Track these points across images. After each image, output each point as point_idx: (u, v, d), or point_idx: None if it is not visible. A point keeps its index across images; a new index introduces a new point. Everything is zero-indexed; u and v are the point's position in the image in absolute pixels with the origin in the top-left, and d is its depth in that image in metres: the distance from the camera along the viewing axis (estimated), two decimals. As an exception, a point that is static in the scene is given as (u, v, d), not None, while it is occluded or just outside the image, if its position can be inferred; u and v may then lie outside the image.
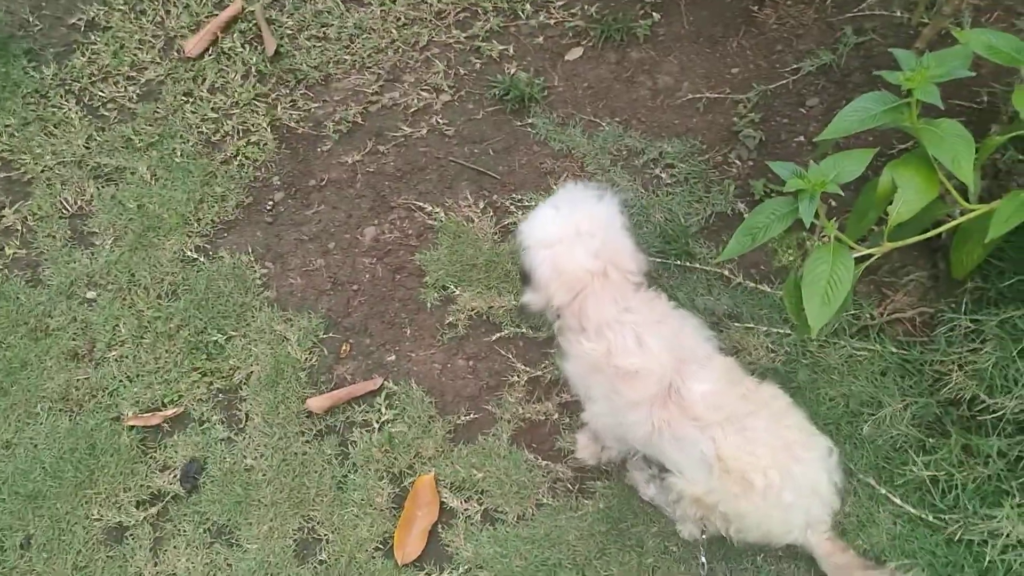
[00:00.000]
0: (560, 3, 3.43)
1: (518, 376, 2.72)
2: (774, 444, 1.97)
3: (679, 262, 2.77)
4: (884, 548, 2.27)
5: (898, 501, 2.31)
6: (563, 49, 3.36)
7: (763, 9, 3.19)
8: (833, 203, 2.73)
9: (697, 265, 2.77)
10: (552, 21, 3.40)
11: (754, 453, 1.95)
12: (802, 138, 2.91)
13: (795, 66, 3.02)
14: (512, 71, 3.32)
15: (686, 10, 3.30)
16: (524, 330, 2.79)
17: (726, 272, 2.74)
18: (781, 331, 2.61)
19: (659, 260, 2.79)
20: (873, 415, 2.40)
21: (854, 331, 2.53)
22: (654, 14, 3.31)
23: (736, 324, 2.65)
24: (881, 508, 2.33)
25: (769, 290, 2.67)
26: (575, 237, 2.05)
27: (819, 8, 3.09)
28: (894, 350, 2.46)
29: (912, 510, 2.30)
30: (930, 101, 1.84)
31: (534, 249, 2.11)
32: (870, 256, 1.96)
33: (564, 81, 3.29)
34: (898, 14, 2.95)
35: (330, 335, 2.87)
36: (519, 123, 3.22)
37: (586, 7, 3.39)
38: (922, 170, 1.91)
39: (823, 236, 1.88)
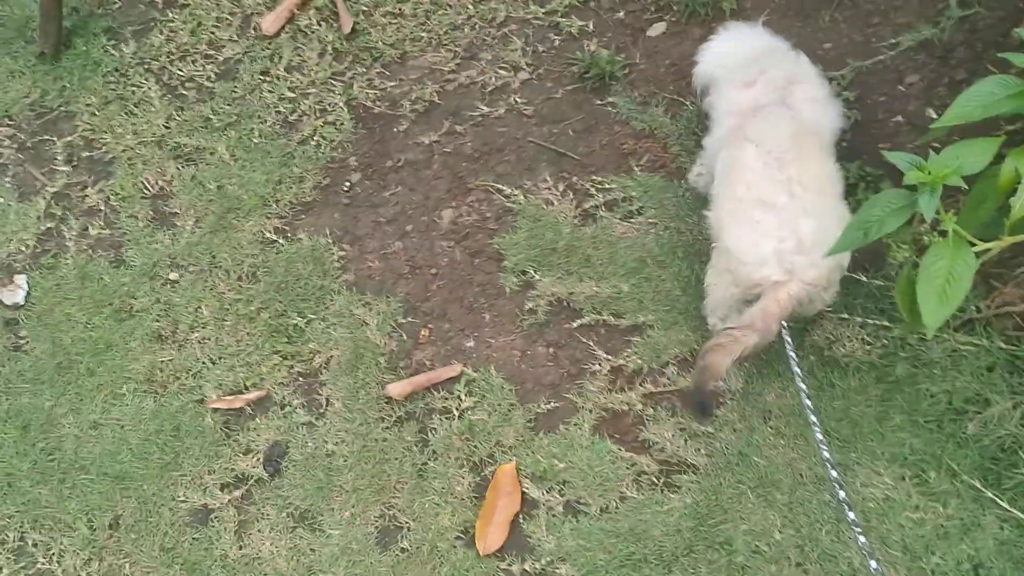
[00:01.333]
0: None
1: (600, 365, 2.69)
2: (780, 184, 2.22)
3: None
4: (990, 553, 2.18)
5: (1005, 505, 2.23)
6: (645, 24, 3.28)
7: (865, -29, 3.04)
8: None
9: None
10: (634, -6, 3.31)
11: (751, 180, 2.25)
12: (900, 118, 2.79)
13: (893, 40, 2.90)
14: (592, 48, 3.26)
15: (781, -15, 3.16)
16: (606, 317, 2.76)
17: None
18: (878, 322, 2.52)
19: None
20: (979, 413, 2.32)
21: (958, 324, 2.43)
22: (749, -5, 3.19)
23: (830, 313, 2.55)
24: (987, 512, 2.25)
25: (864, 279, 2.57)
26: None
27: (932, -28, 2.93)
28: (1003, 345, 2.35)
29: (1020, 515, 2.20)
30: None
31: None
32: (988, 251, 1.84)
33: (646, 58, 3.22)
34: (1014, -19, 2.78)
35: (409, 319, 2.87)
36: (600, 102, 3.15)
37: (672, -19, 3.29)
38: None
39: (941, 230, 1.78)
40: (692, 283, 2.73)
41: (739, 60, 2.57)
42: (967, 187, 1.82)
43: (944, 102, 2.75)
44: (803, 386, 2.15)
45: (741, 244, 2.23)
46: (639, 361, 2.67)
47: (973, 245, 1.83)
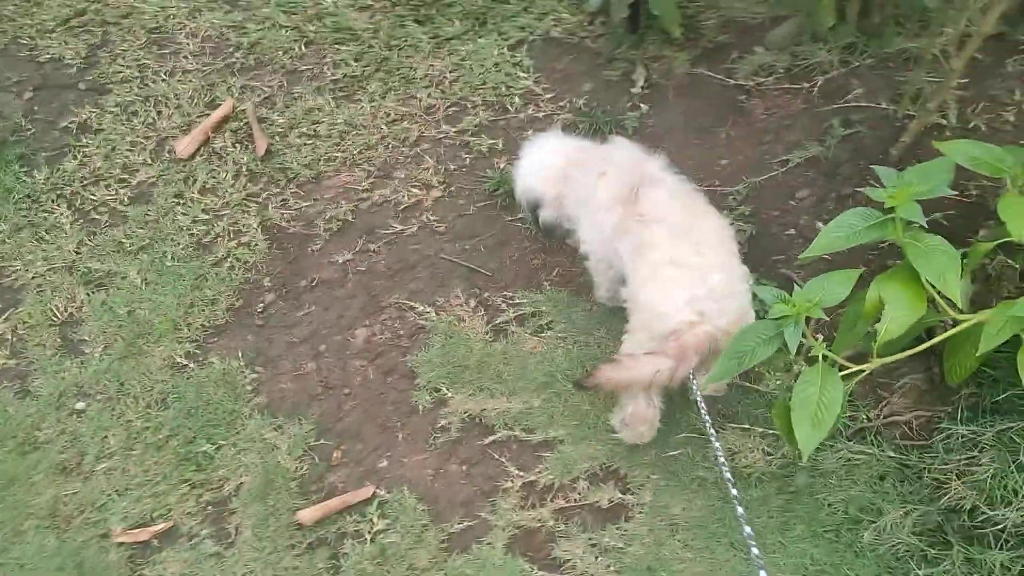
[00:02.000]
0: (548, 96, 3.64)
1: (512, 481, 2.83)
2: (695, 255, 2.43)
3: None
4: (888, 659, 2.33)
5: (904, 612, 2.37)
6: (553, 142, 3.54)
7: (751, 99, 3.38)
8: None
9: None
10: (541, 114, 3.61)
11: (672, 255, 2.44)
12: (793, 231, 3.07)
13: (784, 157, 3.20)
14: (502, 165, 3.51)
15: (674, 101, 3.50)
16: (517, 432, 2.91)
17: (721, 369, 2.85)
18: (777, 432, 2.70)
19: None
20: (873, 522, 2.49)
21: (851, 433, 2.64)
22: (642, 105, 3.52)
23: (731, 425, 2.75)
24: (884, 618, 2.39)
25: (765, 390, 2.78)
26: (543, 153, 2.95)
27: (806, 99, 3.28)
28: (892, 454, 2.56)
29: (918, 622, 2.36)
30: (912, 219, 1.98)
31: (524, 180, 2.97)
32: (861, 372, 2.06)
33: (555, 174, 3.46)
34: (884, 106, 3.13)
35: (321, 442, 2.99)
36: (510, 218, 3.39)
37: (574, 100, 3.61)
38: (909, 285, 2.04)
39: (811, 356, 1.99)
40: (600, 397, 2.91)
41: (568, 161, 2.86)
42: (827, 319, 2.04)
43: (832, 215, 3.03)
44: (715, 439, 2.30)
45: (657, 297, 2.44)
46: (550, 476, 2.82)
47: (844, 369, 2.05)
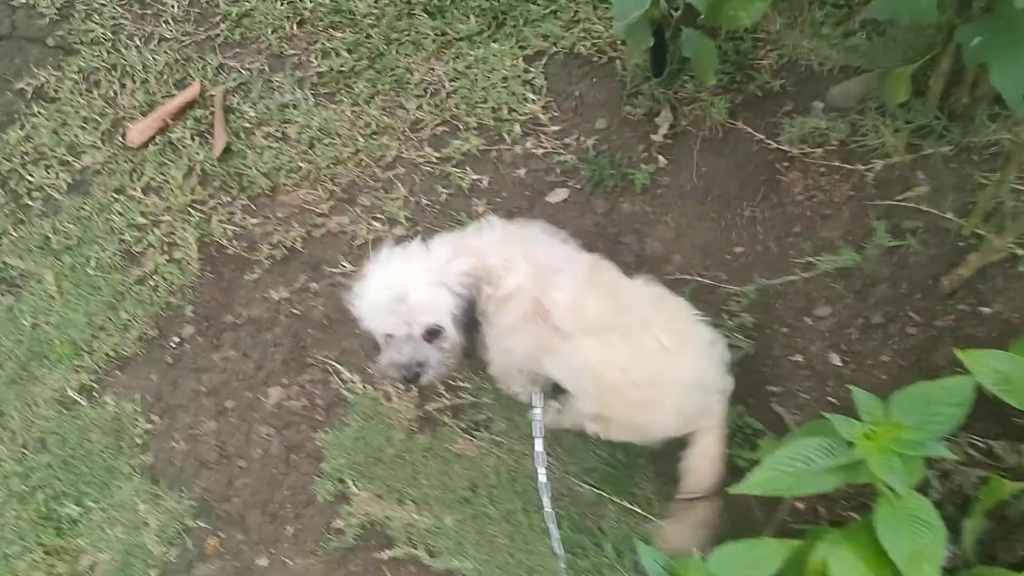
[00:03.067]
0: (554, 129, 3.25)
1: (400, 615, 2.55)
2: (644, 350, 2.19)
3: (618, 499, 2.54)
4: None
5: None
6: (546, 188, 3.19)
7: (791, 171, 2.92)
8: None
9: (637, 509, 2.53)
10: (540, 151, 3.24)
11: (622, 366, 2.19)
12: (800, 358, 2.64)
13: (810, 259, 2.74)
14: (480, 209, 3.17)
15: (699, 158, 3.06)
16: (419, 553, 2.64)
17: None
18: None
19: (597, 490, 2.57)
20: None
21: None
22: (660, 158, 3.10)
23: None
24: None
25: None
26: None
27: (856, 185, 2.80)
28: None
29: None
30: (886, 482, 1.56)
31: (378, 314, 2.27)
32: None
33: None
34: (949, 216, 2.62)
35: (199, 523, 2.80)
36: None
37: (582, 138, 3.21)
38: (869, 558, 1.62)
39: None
40: (521, 530, 2.59)
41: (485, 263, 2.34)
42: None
43: (853, 349, 2.60)
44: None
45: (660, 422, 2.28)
46: (445, 615, 2.54)
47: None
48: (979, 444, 2.24)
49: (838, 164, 2.86)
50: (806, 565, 1.67)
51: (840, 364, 2.59)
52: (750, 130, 3.03)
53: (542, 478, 2.36)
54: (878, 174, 2.79)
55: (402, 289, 2.20)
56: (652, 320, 2.25)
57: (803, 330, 2.67)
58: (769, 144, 2.99)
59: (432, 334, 2.22)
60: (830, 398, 2.55)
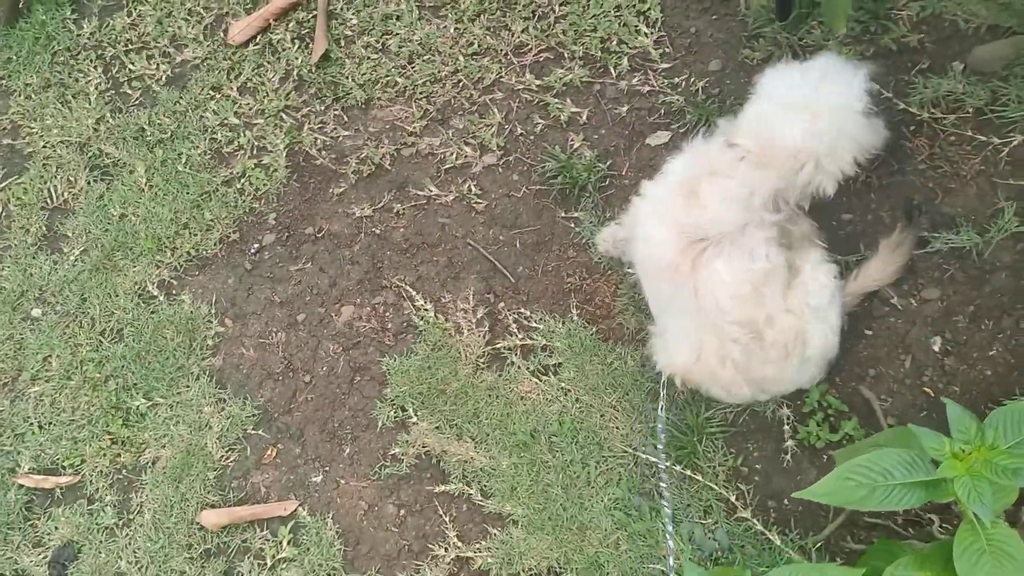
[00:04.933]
0: (664, 67, 3.08)
1: (446, 549, 2.56)
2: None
3: (679, 467, 2.45)
4: None
5: None
6: (647, 129, 3.03)
7: (917, 136, 2.70)
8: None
9: (700, 478, 2.43)
10: (646, 88, 3.07)
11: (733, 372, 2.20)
12: (899, 341, 2.46)
13: (924, 234, 2.54)
14: (576, 145, 3.05)
15: (817, 112, 2.84)
16: (472, 492, 2.61)
17: (733, 497, 2.40)
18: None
19: (655, 460, 2.48)
20: None
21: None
22: (774, 107, 2.89)
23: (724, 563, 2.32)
24: None
25: (778, 542, 2.30)
26: (802, 108, 2.14)
27: (988, 159, 2.57)
28: None
29: None
30: (975, 510, 1.42)
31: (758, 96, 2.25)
32: None
33: (635, 171, 2.98)
34: (1087, 204, 2.39)
35: (259, 432, 2.82)
36: (563, 214, 2.96)
37: (694, 80, 3.03)
38: None
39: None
40: (577, 483, 2.53)
41: None
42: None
43: (958, 339, 2.41)
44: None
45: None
46: (489, 560, 2.51)
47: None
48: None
49: (971, 134, 2.63)
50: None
51: (942, 353, 2.41)
52: (878, 87, 2.79)
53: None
54: (1014, 150, 2.55)
55: None
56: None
57: (907, 311, 2.49)
58: (897, 104, 2.76)
59: None
60: (926, 388, 2.39)
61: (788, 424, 2.44)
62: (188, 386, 2.90)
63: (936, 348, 2.42)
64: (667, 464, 2.40)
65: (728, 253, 2.16)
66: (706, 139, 2.33)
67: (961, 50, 2.77)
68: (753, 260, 2.15)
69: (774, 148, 2.12)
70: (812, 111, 2.11)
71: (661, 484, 2.38)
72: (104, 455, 2.85)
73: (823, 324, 2.21)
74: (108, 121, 3.47)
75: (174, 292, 3.10)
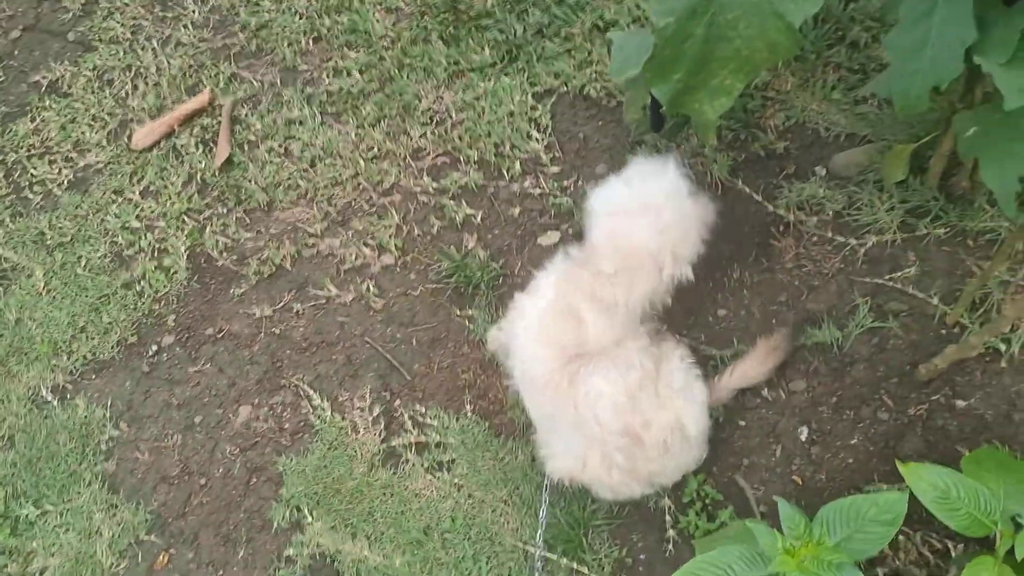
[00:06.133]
0: (553, 171, 3.25)
1: (339, 656, 2.56)
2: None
3: (566, 560, 2.53)
4: None
5: None
6: (538, 229, 3.19)
7: (785, 237, 2.90)
8: None
9: (586, 571, 2.51)
10: (537, 191, 3.24)
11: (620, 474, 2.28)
12: (769, 431, 2.60)
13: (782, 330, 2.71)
14: (470, 245, 3.18)
15: (695, 214, 3.03)
16: (367, 596, 2.62)
17: (621, 592, 2.48)
18: None
19: (543, 553, 2.55)
20: None
21: None
22: (656, 210, 3.07)
23: None
24: None
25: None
26: (642, 211, 2.24)
27: (847, 260, 2.77)
28: None
29: None
30: None
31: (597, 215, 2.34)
32: None
33: (527, 270, 3.12)
34: (934, 302, 2.58)
35: (151, 538, 2.82)
36: (458, 311, 3.07)
37: (581, 183, 3.22)
38: None
39: None
40: (467, 580, 2.59)
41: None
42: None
43: (823, 428, 2.56)
44: None
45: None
46: (379, 670, 2.54)
47: None
48: (935, 544, 2.21)
49: (831, 235, 2.84)
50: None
51: (808, 442, 2.56)
52: (749, 190, 3.01)
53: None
54: (869, 250, 2.76)
55: None
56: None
57: (776, 403, 2.64)
58: (766, 207, 2.97)
59: None
60: (795, 476, 2.53)
61: (669, 514, 2.55)
62: (79, 492, 2.90)
63: (803, 437, 2.56)
64: (545, 553, 2.48)
65: (605, 368, 2.25)
66: (571, 260, 2.42)
67: (823, 156, 3.01)
68: (628, 370, 2.26)
69: (636, 256, 2.23)
70: (653, 210, 2.23)
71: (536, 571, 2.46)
72: (-10, 566, 2.82)
73: (692, 403, 2.33)
74: (8, 225, 3.51)
75: (68, 396, 3.11)
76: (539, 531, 2.52)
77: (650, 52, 1.86)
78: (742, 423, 2.64)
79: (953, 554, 2.15)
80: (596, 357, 2.28)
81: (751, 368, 2.58)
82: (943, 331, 2.56)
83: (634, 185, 2.32)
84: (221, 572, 2.75)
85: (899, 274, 2.67)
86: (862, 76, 3.10)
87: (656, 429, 2.25)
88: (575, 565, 2.53)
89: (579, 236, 2.96)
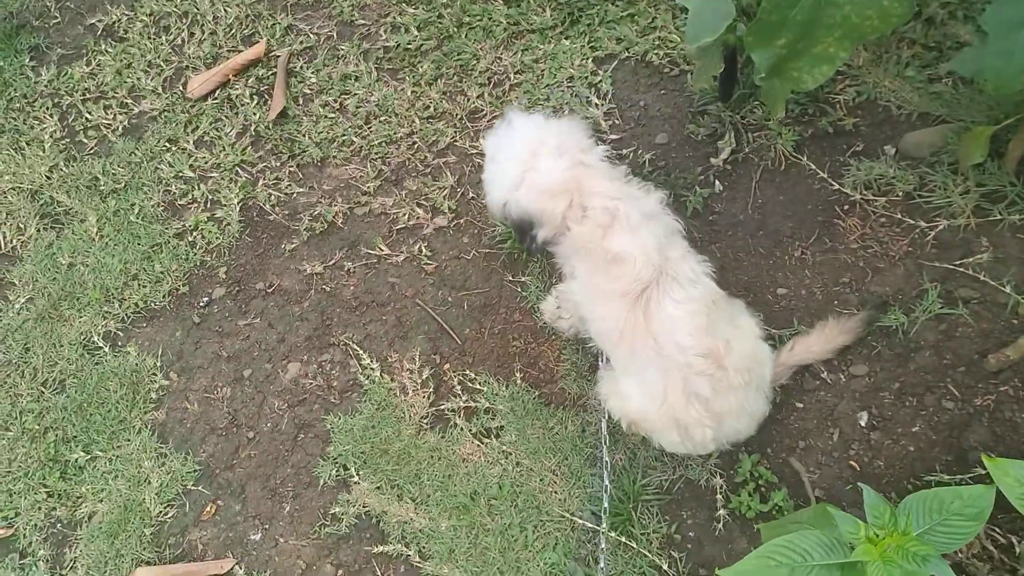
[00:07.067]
0: (612, 138, 3.20)
1: (383, 612, 2.57)
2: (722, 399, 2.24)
3: (615, 534, 2.51)
4: None
5: None
6: (595, 196, 3.12)
7: (850, 216, 2.84)
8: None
9: (634, 545, 2.50)
10: (596, 157, 3.17)
11: (699, 408, 2.24)
12: (828, 414, 2.56)
13: (854, 311, 2.66)
14: (525, 209, 3.12)
15: (757, 189, 2.98)
16: (411, 553, 2.64)
17: (666, 565, 2.46)
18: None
19: (590, 526, 2.54)
20: None
21: None
22: (717, 183, 3.03)
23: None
24: None
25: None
26: (534, 155, 2.28)
27: (916, 243, 2.70)
28: None
29: None
30: None
31: (509, 188, 2.31)
32: None
33: (581, 239, 3.06)
34: (1007, 291, 2.52)
35: (199, 488, 2.83)
36: (511, 278, 3.04)
37: (640, 152, 3.15)
38: None
39: None
40: (515, 547, 2.58)
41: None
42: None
43: (884, 414, 2.52)
44: None
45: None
46: (427, 631, 2.55)
47: None
48: (999, 538, 2.17)
49: (900, 217, 2.77)
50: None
51: (868, 428, 2.52)
52: (814, 167, 2.94)
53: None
54: (940, 234, 2.69)
55: None
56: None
57: (836, 386, 2.60)
58: (832, 184, 2.90)
59: None
60: (852, 461, 2.49)
61: (721, 493, 2.52)
62: (129, 440, 2.92)
63: (863, 423, 2.52)
64: (605, 529, 2.48)
65: (670, 289, 2.24)
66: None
67: (893, 135, 2.93)
68: (691, 286, 2.25)
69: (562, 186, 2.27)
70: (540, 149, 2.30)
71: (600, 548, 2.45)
72: (39, 508, 2.84)
73: (765, 347, 2.37)
74: (61, 169, 3.51)
75: (120, 344, 3.12)
76: (604, 496, 2.51)
77: (755, 16, 1.81)
78: (799, 405, 2.59)
79: (1017, 549, 2.11)
80: (659, 282, 2.25)
81: (816, 344, 2.53)
82: (1015, 321, 2.50)
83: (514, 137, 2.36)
84: (267, 526, 2.77)
85: (971, 260, 2.61)
86: (937, 54, 3.01)
87: (738, 355, 2.24)
88: (623, 539, 2.51)
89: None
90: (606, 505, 2.52)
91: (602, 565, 2.42)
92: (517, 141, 2.35)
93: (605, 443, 2.60)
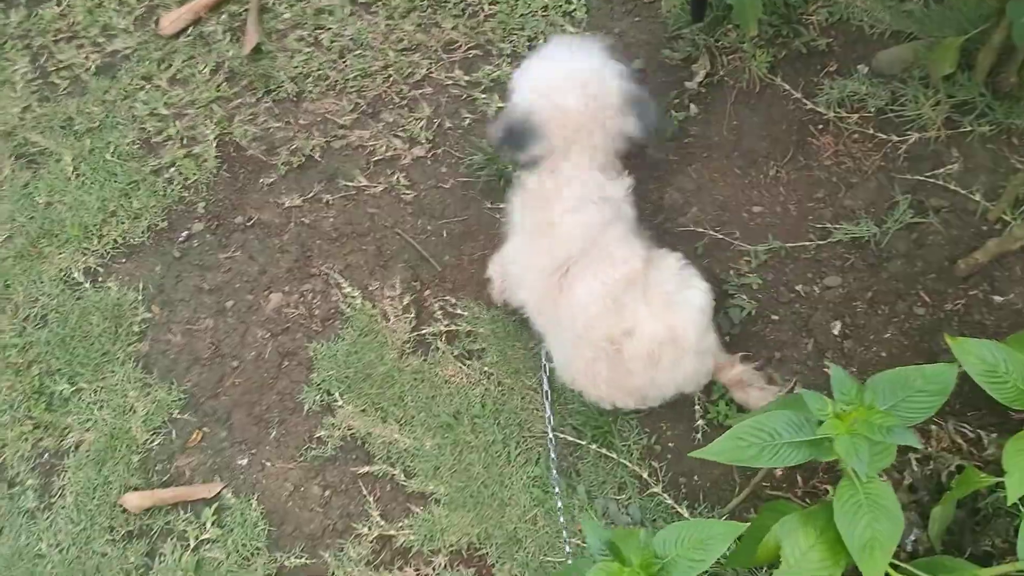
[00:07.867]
0: (587, 64, 3.19)
1: (369, 528, 2.63)
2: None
3: (595, 446, 2.57)
4: None
5: None
6: (571, 123, 3.14)
7: (824, 134, 2.88)
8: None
9: (615, 456, 2.55)
10: (570, 84, 3.19)
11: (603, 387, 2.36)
12: (802, 325, 2.62)
13: (827, 226, 2.71)
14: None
15: (732, 111, 3.02)
16: (396, 472, 2.69)
17: (646, 474, 2.52)
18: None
19: (572, 439, 2.60)
20: None
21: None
22: (692, 106, 3.06)
23: (637, 543, 2.43)
24: None
25: (687, 515, 2.43)
26: (571, 85, 2.22)
27: (888, 156, 2.75)
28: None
29: None
30: (853, 466, 1.54)
31: (530, 96, 2.26)
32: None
33: (559, 165, 3.09)
34: (976, 198, 2.57)
35: (185, 416, 2.87)
36: (489, 205, 3.07)
37: (616, 78, 3.16)
38: (826, 541, 1.62)
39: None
40: (498, 462, 2.64)
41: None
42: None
43: (857, 322, 2.58)
44: None
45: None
46: (412, 537, 2.58)
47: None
48: (968, 433, 2.23)
49: (872, 132, 2.81)
50: (760, 544, 1.67)
51: (841, 336, 2.57)
52: (788, 87, 2.98)
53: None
54: (911, 147, 2.74)
55: None
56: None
57: (810, 297, 2.65)
58: (805, 104, 2.94)
59: None
60: (826, 369, 2.54)
61: (699, 404, 2.58)
62: (113, 371, 2.94)
63: (836, 331, 2.58)
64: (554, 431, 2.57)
65: (590, 269, 2.25)
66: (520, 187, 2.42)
67: (866, 53, 2.96)
68: (611, 267, 2.25)
69: (572, 126, 2.22)
70: (579, 83, 2.22)
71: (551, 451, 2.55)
72: (26, 439, 2.87)
73: (689, 310, 2.28)
74: (35, 110, 3.50)
75: (100, 279, 3.13)
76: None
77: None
78: (775, 317, 2.65)
79: (985, 442, 2.17)
80: (581, 260, 2.27)
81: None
82: (984, 227, 2.56)
83: (558, 60, 2.30)
84: (254, 451, 2.81)
85: (942, 170, 2.66)
86: (908, -27, 3.03)
87: (639, 339, 2.24)
88: (604, 450, 2.57)
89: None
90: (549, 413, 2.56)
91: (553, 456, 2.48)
92: (571, 63, 2.28)
93: (545, 372, 2.68)
